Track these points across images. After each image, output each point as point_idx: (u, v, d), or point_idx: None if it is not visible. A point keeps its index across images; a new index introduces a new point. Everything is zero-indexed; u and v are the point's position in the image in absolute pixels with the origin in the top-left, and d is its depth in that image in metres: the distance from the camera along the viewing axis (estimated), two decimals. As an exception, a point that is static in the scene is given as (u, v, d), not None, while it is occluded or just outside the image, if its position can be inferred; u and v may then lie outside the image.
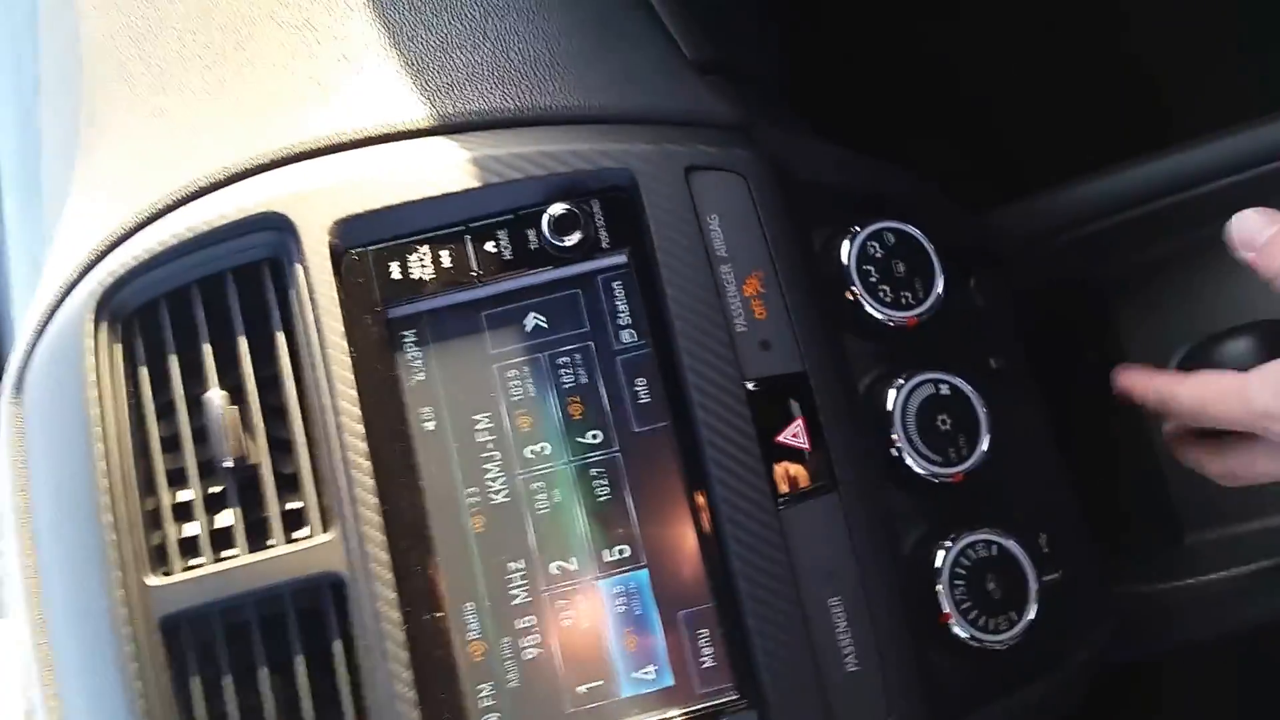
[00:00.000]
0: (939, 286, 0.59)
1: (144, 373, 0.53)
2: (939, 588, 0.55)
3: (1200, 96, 0.81)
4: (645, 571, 0.53)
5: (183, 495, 0.52)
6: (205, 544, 0.51)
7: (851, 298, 0.58)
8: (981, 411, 0.57)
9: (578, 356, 0.55)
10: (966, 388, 0.58)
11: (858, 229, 0.58)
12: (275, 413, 0.53)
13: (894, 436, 0.56)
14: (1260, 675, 0.85)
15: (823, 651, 0.52)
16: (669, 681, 0.53)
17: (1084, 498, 0.67)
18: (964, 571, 0.55)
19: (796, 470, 0.53)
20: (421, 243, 0.54)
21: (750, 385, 0.53)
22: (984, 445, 0.57)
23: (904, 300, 0.58)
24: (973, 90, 0.88)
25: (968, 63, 0.88)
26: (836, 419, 0.54)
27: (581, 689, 0.52)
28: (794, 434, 0.53)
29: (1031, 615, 0.55)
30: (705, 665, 0.53)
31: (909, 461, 0.56)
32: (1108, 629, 0.66)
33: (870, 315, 0.58)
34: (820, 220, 0.59)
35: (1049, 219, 0.72)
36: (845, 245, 0.58)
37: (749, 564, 0.52)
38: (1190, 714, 0.88)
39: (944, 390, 0.58)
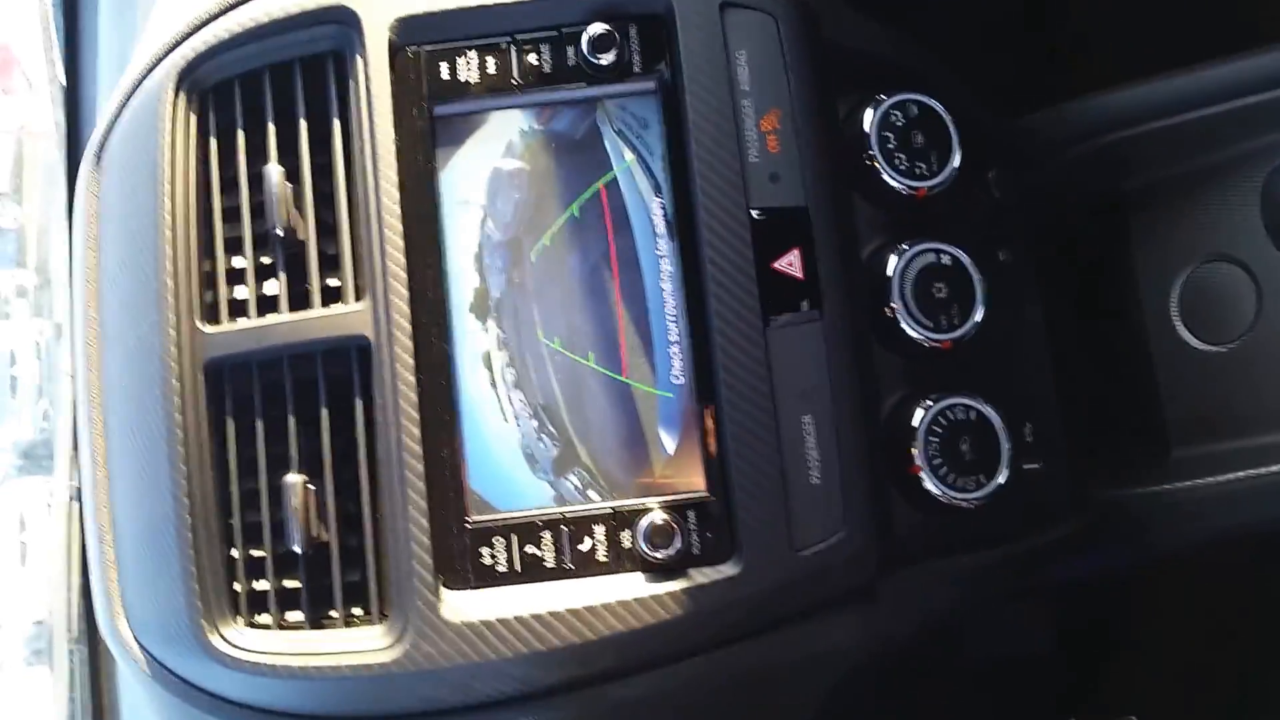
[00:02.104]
0: (954, 162, 0.61)
1: (214, 145, 0.59)
2: (914, 442, 0.59)
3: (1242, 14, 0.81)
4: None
5: (236, 261, 0.58)
6: (252, 305, 0.57)
7: (868, 162, 0.61)
8: (978, 281, 0.60)
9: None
10: (965, 259, 0.61)
11: (884, 96, 0.62)
12: (326, 195, 0.58)
13: (891, 301, 0.60)
14: (1242, 588, 0.87)
15: (790, 462, 0.56)
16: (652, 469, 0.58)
17: (1075, 402, 0.69)
18: (940, 429, 0.59)
19: (788, 296, 0.57)
20: (471, 48, 0.59)
21: (755, 213, 0.58)
22: (977, 316, 0.60)
23: (918, 170, 0.60)
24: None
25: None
26: (832, 258, 0.58)
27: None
28: (789, 262, 0.58)
29: (1000, 480, 0.59)
30: (682, 458, 0.58)
31: (903, 325, 0.60)
32: (1078, 524, 0.68)
33: (884, 181, 0.60)
34: (848, 83, 0.63)
35: (1076, 126, 0.73)
36: (869, 111, 0.62)
37: (732, 373, 0.56)
38: (1178, 627, 0.89)
39: (944, 260, 0.61)
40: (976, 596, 0.65)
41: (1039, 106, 0.73)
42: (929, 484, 0.58)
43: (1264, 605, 0.85)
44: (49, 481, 0.94)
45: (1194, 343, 0.74)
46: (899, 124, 0.61)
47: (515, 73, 0.59)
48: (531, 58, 0.59)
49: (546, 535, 0.56)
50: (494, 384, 0.57)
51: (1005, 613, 0.79)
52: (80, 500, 0.60)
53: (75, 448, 0.68)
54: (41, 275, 1.03)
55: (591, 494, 0.57)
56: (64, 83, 0.92)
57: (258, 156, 0.58)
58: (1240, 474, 0.70)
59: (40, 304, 1.02)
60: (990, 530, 0.62)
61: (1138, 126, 0.72)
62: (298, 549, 0.55)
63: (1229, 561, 0.84)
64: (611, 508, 0.56)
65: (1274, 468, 0.69)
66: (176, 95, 0.58)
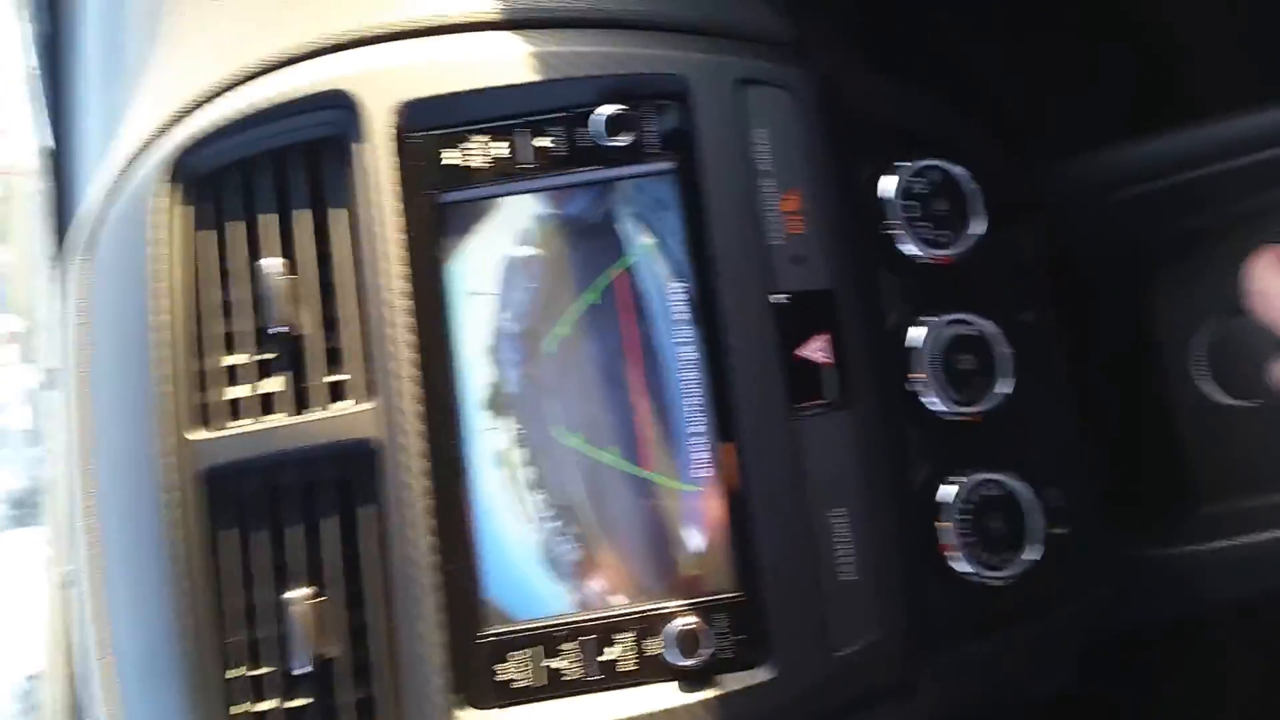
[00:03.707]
0: (978, 229, 0.59)
1: (207, 237, 0.56)
2: (944, 521, 0.57)
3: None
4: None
5: (233, 359, 0.55)
6: (251, 406, 0.54)
7: (889, 231, 0.59)
8: (1004, 355, 0.59)
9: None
10: (992, 330, 0.59)
11: (903, 164, 0.60)
12: (327, 287, 0.55)
13: (916, 372, 0.58)
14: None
15: (821, 558, 0.54)
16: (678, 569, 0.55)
17: (1102, 461, 0.68)
18: (970, 508, 0.57)
19: (815, 384, 0.55)
20: (480, 132, 0.56)
21: (779, 297, 0.55)
22: (1003, 389, 0.58)
23: (941, 239, 0.59)
24: (1042, 39, 0.88)
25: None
26: (858, 340, 0.56)
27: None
28: (816, 349, 0.55)
29: (1033, 557, 0.57)
30: (710, 557, 0.55)
31: (928, 398, 0.58)
32: (1109, 589, 0.67)
33: (906, 250, 0.59)
34: (868, 152, 0.61)
35: (1102, 175, 0.72)
36: (890, 178, 0.60)
37: (759, 467, 0.54)
38: (1202, 683, 0.88)
39: (970, 331, 0.59)
40: (1011, 677, 0.63)
41: (1064, 156, 0.72)
42: (960, 563, 0.57)
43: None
44: (41, 533, 0.91)
45: (1220, 398, 0.72)
46: (921, 191, 0.60)
47: (527, 157, 0.56)
48: (543, 141, 0.56)
49: (569, 645, 0.53)
50: (511, 484, 0.55)
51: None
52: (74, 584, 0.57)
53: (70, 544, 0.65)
54: (29, 319, 1.01)
55: (615, 598, 0.55)
56: (51, 145, 0.89)
57: (254, 248, 0.56)
58: (1273, 533, 0.68)
59: (29, 349, 1.00)
60: (1021, 604, 0.60)
61: (1166, 178, 0.71)
62: (304, 668, 0.52)
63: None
64: (637, 613, 0.54)
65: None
66: (167, 187, 0.55)
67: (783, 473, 0.54)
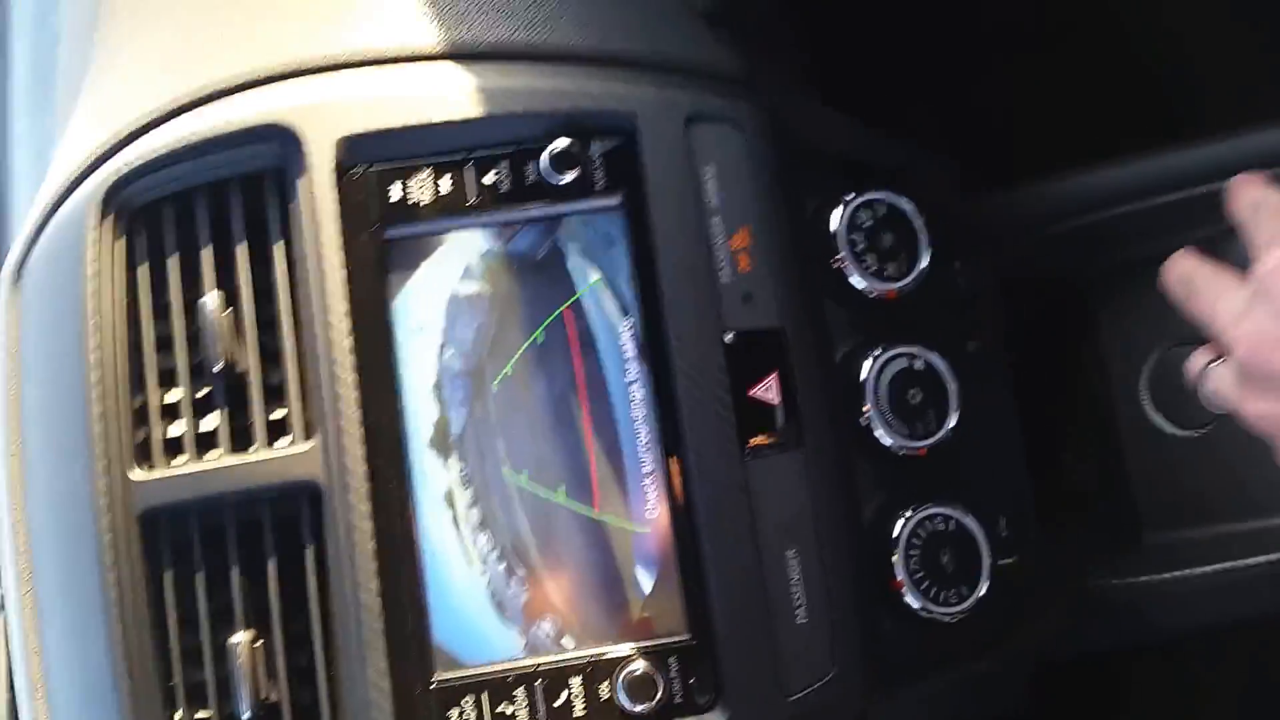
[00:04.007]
0: (924, 262, 0.59)
1: (143, 271, 0.54)
2: (894, 556, 0.56)
3: (1217, 96, 0.81)
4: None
5: (171, 395, 0.54)
6: (189, 443, 0.53)
7: (836, 264, 0.59)
8: (952, 388, 0.59)
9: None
10: (940, 364, 0.59)
11: (850, 196, 0.60)
12: (268, 323, 0.54)
13: (865, 406, 0.58)
14: (1216, 676, 0.86)
15: (775, 601, 0.53)
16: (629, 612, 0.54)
17: (1050, 492, 0.68)
18: (920, 542, 0.57)
19: (766, 424, 0.55)
20: (424, 167, 0.55)
21: (729, 336, 0.55)
22: (951, 422, 0.58)
23: (888, 272, 0.59)
24: (988, 73, 0.89)
25: (987, 41, 0.89)
26: (808, 378, 0.56)
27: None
28: (766, 388, 0.55)
29: (982, 592, 0.56)
30: (660, 599, 0.54)
31: (877, 432, 0.57)
32: (1058, 619, 0.67)
33: (853, 284, 0.58)
34: (815, 184, 0.60)
35: (1044, 207, 0.72)
36: (836, 211, 0.59)
37: (711, 507, 0.53)
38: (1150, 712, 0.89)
39: (918, 365, 0.59)
40: (964, 711, 0.63)
41: (1008, 189, 0.72)
42: (911, 599, 0.56)
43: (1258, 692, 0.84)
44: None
45: (1165, 427, 0.73)
46: (867, 225, 0.59)
47: (472, 193, 0.55)
48: (489, 176, 0.55)
49: (519, 691, 0.52)
50: (457, 525, 0.54)
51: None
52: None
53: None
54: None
55: (565, 641, 0.54)
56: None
57: (193, 282, 0.54)
58: (1219, 566, 0.69)
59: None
60: (973, 637, 0.60)
61: (1109, 209, 0.71)
62: (246, 712, 0.50)
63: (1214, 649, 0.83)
64: (588, 658, 0.53)
65: (1249, 560, 0.68)
66: (102, 219, 0.54)
67: (734, 513, 0.53)
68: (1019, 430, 0.67)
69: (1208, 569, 0.68)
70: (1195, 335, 0.59)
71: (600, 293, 0.56)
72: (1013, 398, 0.67)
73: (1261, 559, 0.67)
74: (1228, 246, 0.68)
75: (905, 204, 0.60)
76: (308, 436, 0.52)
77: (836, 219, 0.59)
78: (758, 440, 0.54)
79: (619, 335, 0.55)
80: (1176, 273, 0.59)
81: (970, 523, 0.57)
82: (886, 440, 0.58)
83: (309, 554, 0.52)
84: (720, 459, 0.53)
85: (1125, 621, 0.72)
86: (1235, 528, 0.71)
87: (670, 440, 0.54)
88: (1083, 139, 0.75)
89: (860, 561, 0.56)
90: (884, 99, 0.71)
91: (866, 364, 0.58)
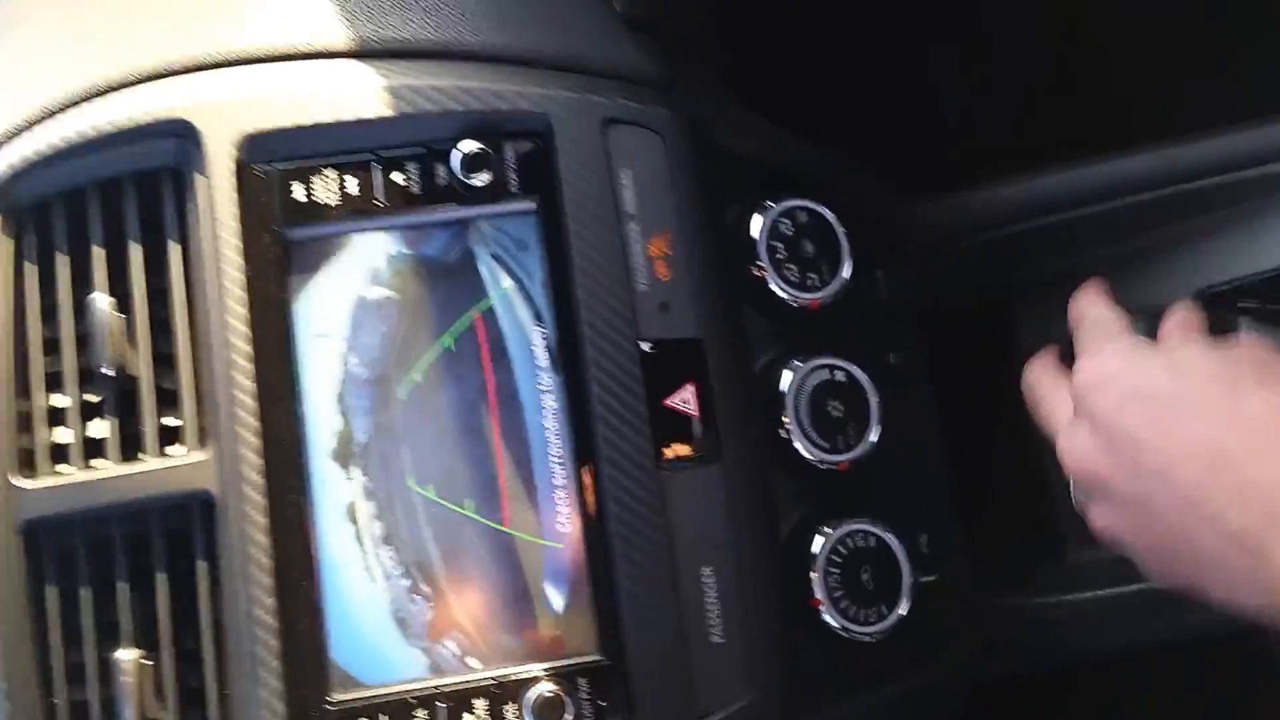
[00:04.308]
0: (845, 272, 0.58)
1: (31, 270, 0.52)
2: (813, 573, 0.55)
3: (1143, 108, 0.81)
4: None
5: (58, 400, 0.51)
6: (76, 451, 0.50)
7: (757, 273, 0.57)
8: (874, 402, 0.57)
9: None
10: (861, 376, 0.58)
11: (771, 204, 0.58)
12: (162, 325, 0.52)
13: (785, 418, 0.56)
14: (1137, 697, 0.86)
15: (690, 620, 0.52)
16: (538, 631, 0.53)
17: (969, 506, 0.67)
18: (840, 559, 0.55)
19: (682, 436, 0.53)
20: (329, 167, 0.53)
21: (645, 346, 0.53)
22: (872, 436, 0.57)
23: (809, 282, 0.57)
24: (914, 82, 0.88)
25: (915, 49, 0.88)
26: (727, 390, 0.54)
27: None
28: (684, 399, 0.53)
29: (903, 611, 0.55)
30: (571, 618, 0.53)
31: (797, 445, 0.56)
32: (981, 638, 0.66)
33: (774, 293, 0.57)
34: (736, 191, 0.59)
35: (968, 218, 0.72)
36: (756, 219, 0.58)
37: (624, 522, 0.52)
38: None
39: (839, 377, 0.57)
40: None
41: (937, 195, 0.71)
42: (830, 617, 0.55)
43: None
44: None
45: None
46: (787, 233, 0.58)
47: (379, 194, 0.53)
48: (397, 178, 0.53)
49: (420, 713, 0.50)
50: (359, 539, 0.52)
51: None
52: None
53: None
54: None
55: (471, 661, 0.52)
56: None
57: (83, 283, 0.51)
58: (1144, 585, 0.67)
59: None
60: (894, 657, 0.58)
61: (1031, 220, 0.71)
62: None
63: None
64: (494, 678, 0.51)
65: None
66: None
67: (648, 528, 0.52)
68: (942, 445, 0.66)
69: (1132, 588, 0.67)
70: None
71: (513, 299, 0.54)
72: (936, 412, 0.66)
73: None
74: (1154, 258, 0.69)
75: (828, 212, 0.59)
76: (202, 445, 0.50)
77: (757, 226, 0.58)
78: (674, 452, 0.53)
79: (531, 343, 0.54)
80: (1025, 381, 0.59)
81: (890, 539, 0.56)
82: (806, 454, 0.56)
83: (201, 568, 0.49)
84: (634, 471, 0.52)
85: (1049, 641, 0.71)
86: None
87: (583, 451, 0.53)
88: (1009, 150, 0.75)
89: (778, 579, 0.55)
90: (809, 107, 0.70)
91: (787, 375, 0.57)
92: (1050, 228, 0.71)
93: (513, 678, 0.51)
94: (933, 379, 0.67)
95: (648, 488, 0.51)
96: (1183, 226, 0.67)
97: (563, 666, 0.51)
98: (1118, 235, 0.70)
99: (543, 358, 0.54)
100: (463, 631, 0.52)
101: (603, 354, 0.52)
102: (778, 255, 0.57)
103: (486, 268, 0.54)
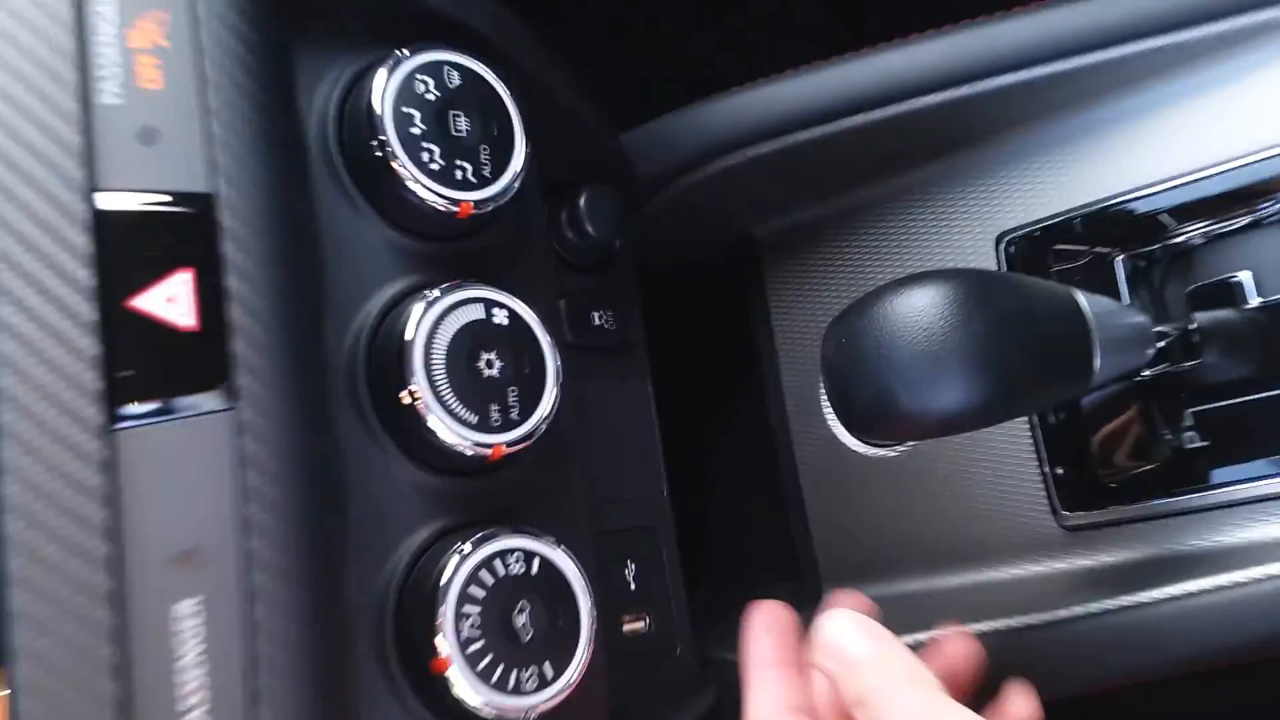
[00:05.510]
0: (517, 165, 0.41)
1: None
2: (439, 614, 0.35)
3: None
4: None
5: None
6: None
7: (379, 153, 0.38)
8: (550, 353, 0.40)
9: None
10: (531, 318, 0.40)
11: (404, 53, 0.39)
12: None
13: (409, 373, 0.36)
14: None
15: (149, 691, 0.28)
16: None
17: (701, 527, 0.54)
18: (482, 594, 0.36)
19: (166, 365, 0.30)
20: None
21: (104, 203, 0.30)
22: (546, 408, 0.39)
23: (460, 174, 0.39)
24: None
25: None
26: (260, 285, 0.31)
27: None
28: (169, 296, 0.30)
29: (577, 673, 0.37)
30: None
31: (431, 419, 0.36)
32: (705, 704, 0.49)
33: (403, 186, 0.38)
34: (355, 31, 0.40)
35: (686, 144, 0.54)
36: (380, 73, 0.39)
37: (31, 529, 0.28)
38: None
39: (498, 318, 0.39)
40: None
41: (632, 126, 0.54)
42: (463, 689, 0.35)
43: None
44: None
45: (859, 447, 0.55)
46: (429, 98, 0.39)
47: None
48: None
49: None
50: None
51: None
52: None
53: None
54: None
55: None
56: None
57: None
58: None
59: None
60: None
61: (760, 145, 0.53)
62: None
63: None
64: None
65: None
66: None
67: (83, 533, 0.29)
68: (659, 448, 0.50)
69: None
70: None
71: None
72: (651, 389, 0.50)
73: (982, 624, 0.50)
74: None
75: (492, 78, 0.41)
76: None
77: (380, 86, 0.38)
78: (146, 398, 0.29)
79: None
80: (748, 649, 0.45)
81: (563, 560, 0.38)
82: (446, 433, 0.37)
83: None
84: (61, 427, 0.28)
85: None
86: (909, 586, 0.54)
87: None
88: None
89: (379, 626, 0.35)
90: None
91: (417, 308, 0.37)
92: (777, 159, 0.52)
93: None
94: (653, 351, 0.52)
95: (82, 455, 0.28)
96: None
97: None
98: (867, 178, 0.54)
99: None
100: None
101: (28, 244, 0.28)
102: (411, 128, 0.39)
103: None
